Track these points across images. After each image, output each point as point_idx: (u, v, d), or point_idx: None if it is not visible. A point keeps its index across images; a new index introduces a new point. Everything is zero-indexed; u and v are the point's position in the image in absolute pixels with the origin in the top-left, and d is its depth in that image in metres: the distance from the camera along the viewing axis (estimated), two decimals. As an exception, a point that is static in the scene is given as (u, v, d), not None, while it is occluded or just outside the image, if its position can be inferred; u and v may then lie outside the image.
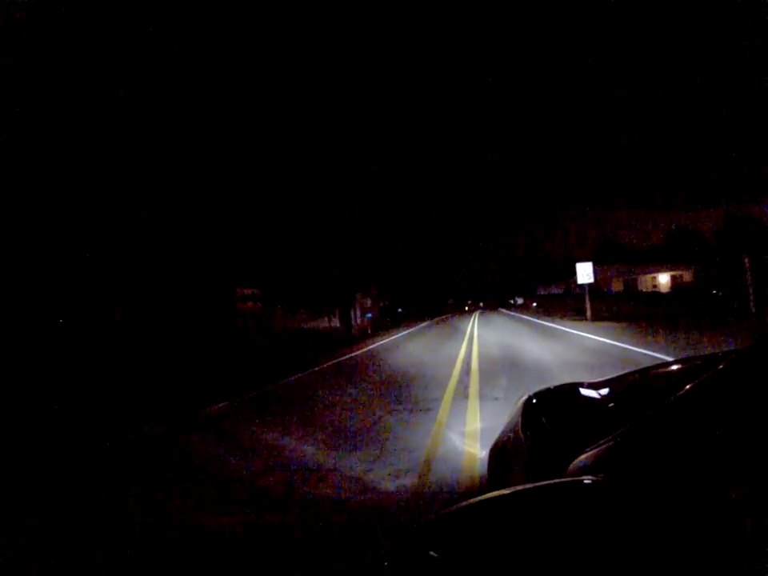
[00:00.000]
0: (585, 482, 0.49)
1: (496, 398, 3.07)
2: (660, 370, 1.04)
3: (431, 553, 0.40)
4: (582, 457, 0.61)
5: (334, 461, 2.14)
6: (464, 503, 0.46)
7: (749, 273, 8.75)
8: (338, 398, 3.77)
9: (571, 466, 0.61)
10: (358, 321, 15.41)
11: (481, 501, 0.46)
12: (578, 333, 7.78)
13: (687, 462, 0.45)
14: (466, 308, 75.87)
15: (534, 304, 32.57)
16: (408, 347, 7.97)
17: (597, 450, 0.58)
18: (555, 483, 0.50)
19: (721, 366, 0.55)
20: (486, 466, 1.01)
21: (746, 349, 0.52)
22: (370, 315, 16.35)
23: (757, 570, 0.32)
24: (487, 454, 1.01)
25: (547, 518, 0.42)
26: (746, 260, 8.84)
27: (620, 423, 0.58)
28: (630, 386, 0.96)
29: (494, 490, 0.57)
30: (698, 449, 0.46)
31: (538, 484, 0.49)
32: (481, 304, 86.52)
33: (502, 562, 0.36)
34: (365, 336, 11.84)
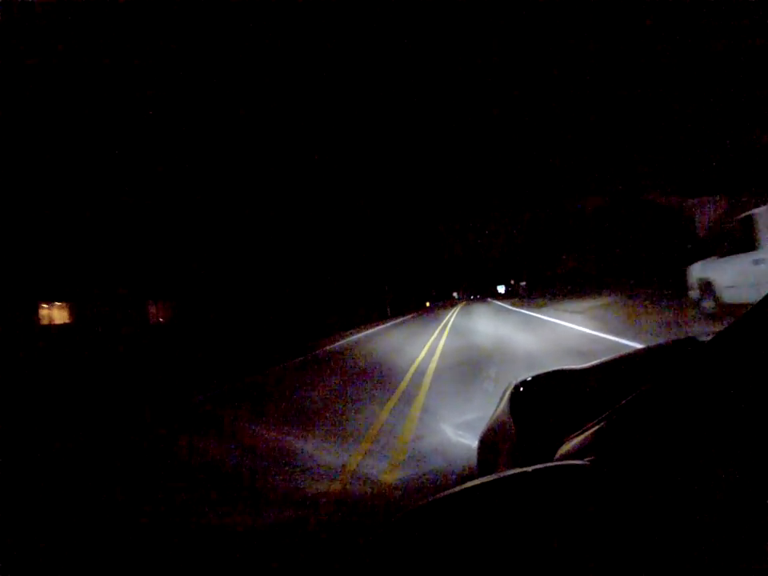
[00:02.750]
0: (573, 464, 0.52)
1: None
2: (648, 353, 1.06)
3: (417, 542, 0.42)
4: (571, 441, 0.63)
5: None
6: (451, 491, 0.48)
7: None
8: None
9: (560, 450, 0.64)
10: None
11: (469, 487, 0.48)
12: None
13: (676, 443, 0.48)
14: (453, 298, 75.46)
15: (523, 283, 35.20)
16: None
17: (585, 433, 0.61)
18: (544, 467, 0.52)
19: (708, 345, 0.60)
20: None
21: (730, 327, 0.55)
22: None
23: (749, 552, 0.34)
24: (477, 443, 0.99)
25: (536, 502, 0.44)
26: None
27: (608, 406, 0.61)
28: (618, 369, 0.98)
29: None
30: (686, 429, 0.49)
31: (526, 468, 0.52)
32: (472, 297, 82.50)
33: (491, 549, 0.39)
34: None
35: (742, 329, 0.54)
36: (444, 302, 52.83)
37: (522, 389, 0.98)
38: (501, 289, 62.23)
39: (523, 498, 0.46)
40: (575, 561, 0.35)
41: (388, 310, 25.49)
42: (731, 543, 0.34)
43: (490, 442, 0.94)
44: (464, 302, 32.98)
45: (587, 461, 0.51)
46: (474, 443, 1.08)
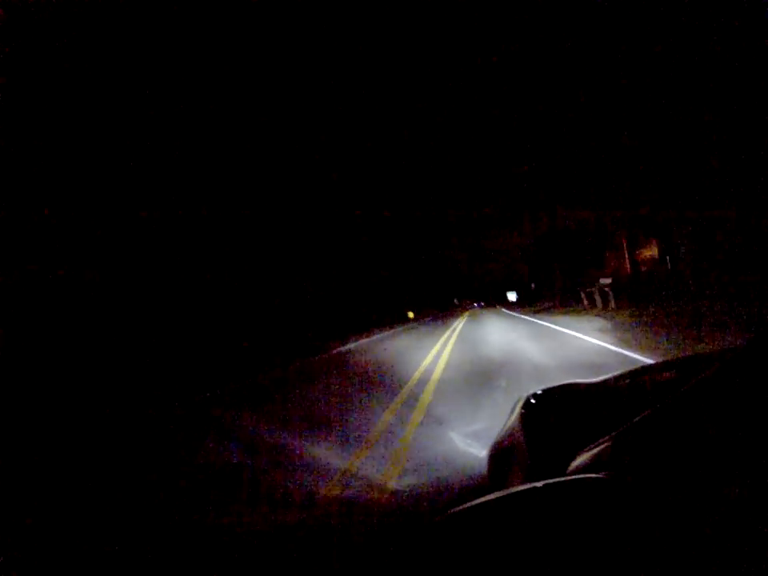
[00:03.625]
0: (587, 479, 0.53)
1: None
2: (661, 368, 1.10)
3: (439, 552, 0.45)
4: (583, 456, 0.66)
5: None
6: (469, 504, 0.51)
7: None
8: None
9: (572, 465, 0.67)
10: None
11: (488, 501, 0.51)
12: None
13: (688, 459, 0.50)
14: (466, 305, 72.23)
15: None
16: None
17: (597, 448, 0.63)
18: (562, 480, 0.55)
19: (721, 364, 0.62)
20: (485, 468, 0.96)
21: (746, 346, 0.59)
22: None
23: (757, 568, 0.36)
24: (486, 456, 1.04)
25: (552, 516, 0.47)
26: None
27: (620, 422, 0.63)
28: (631, 384, 1.01)
29: (495, 490, 0.61)
30: (698, 447, 0.51)
31: (546, 481, 0.55)
32: (482, 303, 78.20)
33: (509, 562, 0.41)
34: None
35: (752, 351, 0.55)
36: (441, 313, 45.33)
37: (533, 401, 0.99)
38: (512, 296, 58.58)
39: (543, 511, 0.47)
40: (596, 573, 0.36)
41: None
42: (748, 557, 0.35)
43: (501, 454, 0.94)
44: (462, 316, 26.68)
45: (604, 474, 0.52)
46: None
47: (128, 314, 11.50)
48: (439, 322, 18.07)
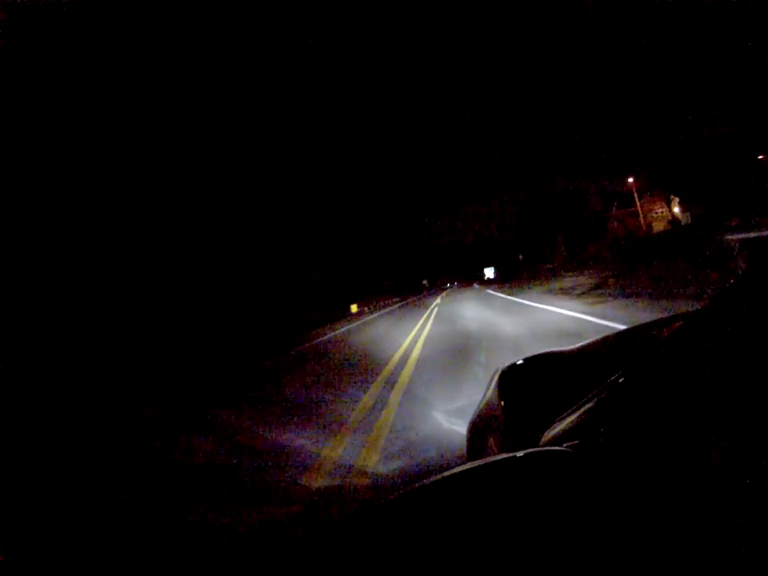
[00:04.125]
0: (555, 450, 0.55)
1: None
2: (636, 332, 1.13)
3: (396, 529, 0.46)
4: (557, 425, 0.67)
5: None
6: (437, 476, 0.53)
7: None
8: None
9: (545, 434, 0.68)
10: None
11: (453, 474, 0.53)
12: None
13: (662, 424, 0.50)
14: (437, 287, 66.60)
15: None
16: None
17: (571, 417, 0.65)
18: (526, 453, 0.56)
19: (689, 323, 0.61)
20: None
21: (709, 306, 0.59)
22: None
23: (742, 535, 0.35)
24: (467, 427, 1.08)
25: (519, 489, 0.48)
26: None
27: (593, 388, 0.65)
28: (604, 350, 1.06)
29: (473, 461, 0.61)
30: (671, 410, 0.51)
31: (511, 454, 0.56)
32: (455, 283, 68.08)
33: (477, 533, 0.43)
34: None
35: (714, 311, 0.56)
36: (401, 298, 38.72)
37: (510, 373, 1.03)
38: (489, 272, 50.57)
39: (506, 484, 0.50)
40: (558, 545, 0.38)
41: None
42: (714, 527, 0.36)
43: (480, 426, 1.00)
44: (436, 300, 22.60)
45: (569, 446, 0.54)
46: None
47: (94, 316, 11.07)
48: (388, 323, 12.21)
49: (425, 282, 68.67)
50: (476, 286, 42.90)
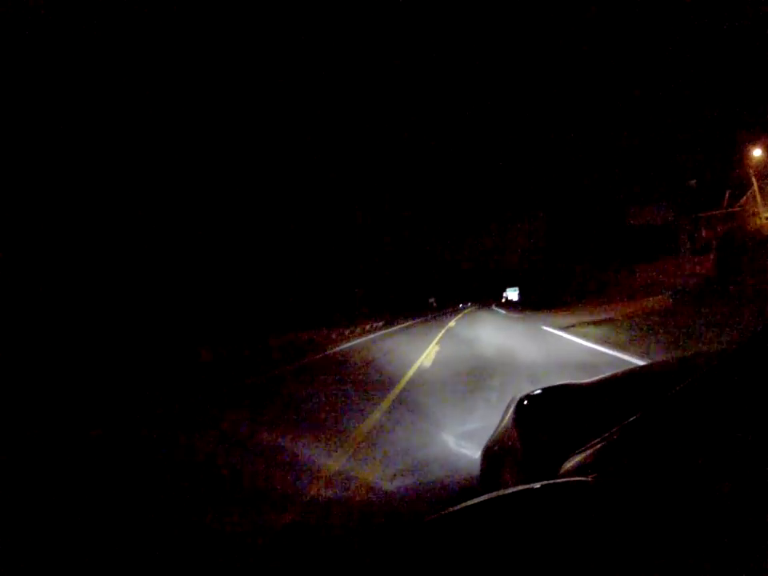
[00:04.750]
0: (576, 481, 0.59)
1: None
2: (655, 368, 1.24)
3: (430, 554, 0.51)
4: (575, 457, 0.72)
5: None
6: (460, 506, 0.57)
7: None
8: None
9: (564, 466, 0.73)
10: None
11: (476, 504, 0.57)
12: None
13: (680, 461, 0.53)
14: (457, 306, 61.17)
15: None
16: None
17: (589, 450, 0.69)
18: (548, 484, 0.60)
19: (716, 363, 0.64)
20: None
21: (741, 347, 0.61)
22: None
23: (751, 567, 0.38)
24: (480, 456, 1.15)
25: (541, 518, 0.52)
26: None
27: (613, 423, 0.68)
28: (624, 385, 1.11)
29: (488, 490, 0.68)
30: (691, 448, 0.54)
31: (531, 485, 0.60)
32: (469, 304, 59.86)
33: (498, 565, 0.46)
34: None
35: (742, 355, 0.59)
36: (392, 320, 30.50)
37: (527, 403, 1.06)
38: (512, 294, 42.74)
39: (528, 514, 0.54)
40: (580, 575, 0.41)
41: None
42: (734, 559, 0.38)
43: (494, 454, 1.03)
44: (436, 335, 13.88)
45: (590, 477, 0.59)
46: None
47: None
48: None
49: (432, 300, 59.26)
50: (496, 309, 39.89)
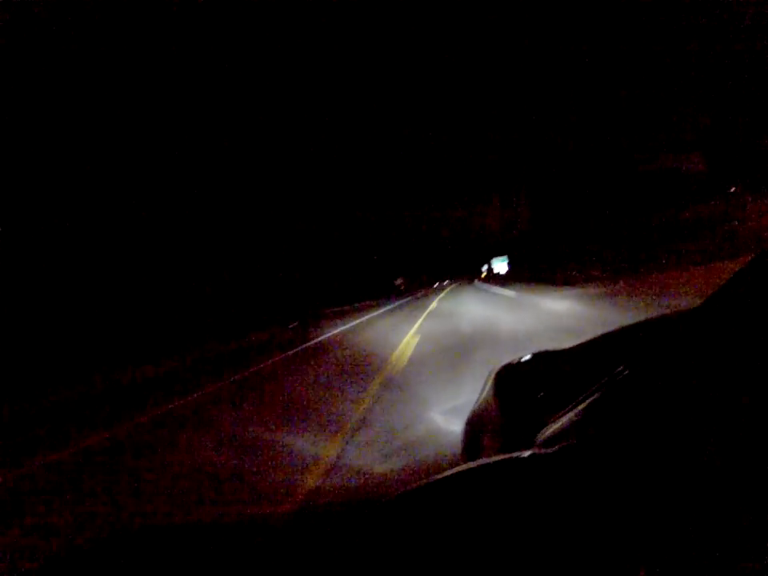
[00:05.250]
0: (544, 453, 0.61)
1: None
2: (633, 330, 1.20)
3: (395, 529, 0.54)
4: (552, 425, 0.74)
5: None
6: (430, 479, 0.60)
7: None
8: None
9: (540, 434, 0.75)
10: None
11: (444, 477, 0.60)
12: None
13: (658, 423, 0.54)
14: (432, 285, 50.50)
15: None
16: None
17: (565, 416, 0.71)
18: (509, 457, 0.62)
19: (684, 324, 0.65)
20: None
21: (706, 305, 0.62)
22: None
23: (733, 537, 0.39)
24: (463, 427, 1.16)
25: (501, 493, 0.53)
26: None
27: (589, 387, 0.71)
28: (601, 349, 1.13)
29: (469, 461, 0.72)
30: (669, 409, 0.54)
31: (497, 458, 0.63)
32: (447, 281, 48.88)
33: (466, 538, 0.48)
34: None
35: (710, 310, 0.59)
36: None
37: (505, 372, 1.11)
38: (500, 265, 31.64)
39: (496, 487, 0.56)
40: (544, 547, 0.43)
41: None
42: (709, 528, 0.39)
43: (475, 424, 1.04)
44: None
45: (556, 448, 0.62)
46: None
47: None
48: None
49: (400, 282, 50.07)
50: (480, 285, 33.74)
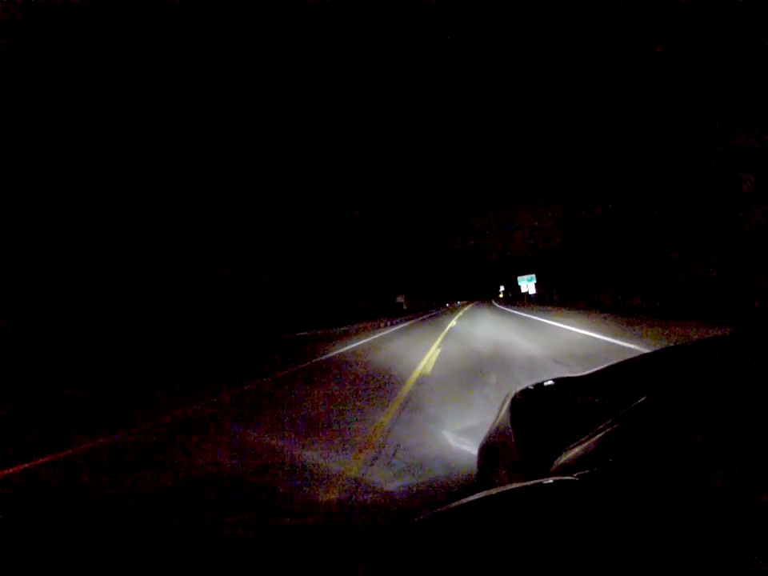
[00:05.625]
0: (562, 480, 0.61)
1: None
2: (647, 360, 1.21)
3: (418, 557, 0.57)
4: (569, 452, 0.75)
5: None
6: (451, 505, 0.61)
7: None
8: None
9: (557, 462, 0.76)
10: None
11: (455, 507, 0.61)
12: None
13: (675, 453, 0.55)
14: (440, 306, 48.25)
15: None
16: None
17: (583, 444, 0.73)
18: (532, 484, 0.62)
19: (706, 354, 0.64)
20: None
21: (731, 335, 0.62)
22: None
23: (746, 559, 0.40)
24: (477, 452, 1.15)
25: (524, 519, 0.55)
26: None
27: (607, 415, 0.72)
28: (618, 377, 1.10)
29: (484, 486, 0.75)
30: (685, 439, 0.55)
31: (516, 485, 0.64)
32: (458, 303, 43.01)
33: (489, 566, 0.50)
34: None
35: (731, 346, 0.59)
36: None
37: (522, 397, 1.08)
38: (527, 284, 25.01)
39: (507, 517, 0.58)
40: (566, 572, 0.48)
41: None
42: (726, 555, 0.41)
43: (490, 450, 1.02)
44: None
45: (577, 476, 0.63)
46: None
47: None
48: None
49: (401, 298, 42.53)
50: (500, 307, 31.28)
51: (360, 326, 21.33)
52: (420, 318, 27.88)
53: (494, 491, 0.60)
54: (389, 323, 22.07)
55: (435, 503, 0.89)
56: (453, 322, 19.34)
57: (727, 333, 0.62)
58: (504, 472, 0.90)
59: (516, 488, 0.59)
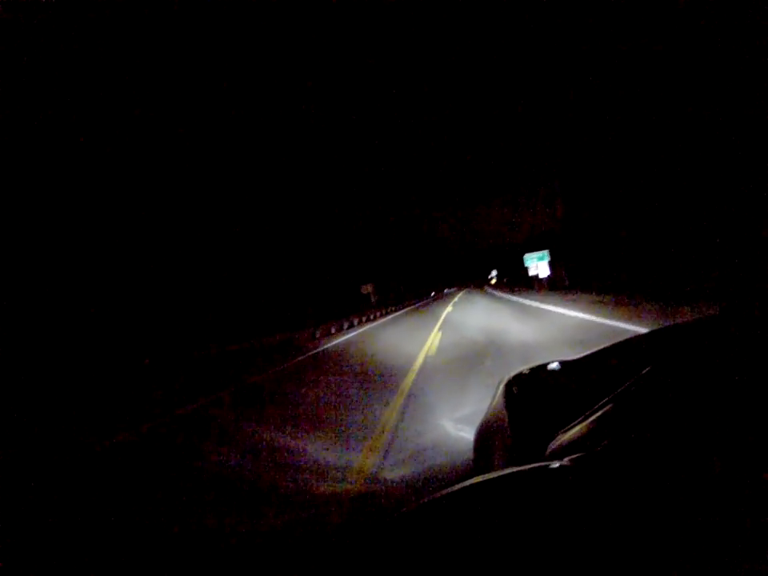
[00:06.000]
0: (560, 465, 0.63)
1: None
2: (639, 341, 1.24)
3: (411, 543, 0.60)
4: (562, 436, 0.78)
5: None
6: (436, 495, 0.63)
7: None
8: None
9: (551, 445, 0.79)
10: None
11: (448, 493, 0.63)
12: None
13: (668, 435, 0.56)
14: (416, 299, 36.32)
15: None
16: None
17: (576, 427, 0.75)
18: (522, 470, 0.64)
19: (698, 333, 0.66)
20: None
21: (718, 315, 0.67)
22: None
23: (745, 548, 0.40)
24: (473, 436, 1.22)
25: (518, 505, 0.56)
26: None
27: (600, 397, 0.74)
28: (612, 359, 1.13)
29: (480, 472, 0.73)
30: (678, 420, 0.56)
31: (509, 470, 0.65)
32: (445, 290, 34.65)
33: (482, 553, 0.50)
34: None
35: (717, 327, 0.63)
36: None
37: (515, 382, 1.11)
38: (538, 266, 16.21)
39: (507, 500, 0.59)
40: (555, 561, 0.47)
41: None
42: (719, 539, 0.42)
43: (486, 435, 1.05)
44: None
45: (569, 460, 0.65)
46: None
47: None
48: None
49: (368, 289, 28.41)
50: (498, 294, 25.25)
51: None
52: (392, 316, 20.86)
53: (478, 479, 0.60)
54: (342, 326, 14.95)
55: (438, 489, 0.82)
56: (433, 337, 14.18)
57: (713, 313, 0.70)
58: (498, 456, 0.89)
59: (500, 475, 0.58)
